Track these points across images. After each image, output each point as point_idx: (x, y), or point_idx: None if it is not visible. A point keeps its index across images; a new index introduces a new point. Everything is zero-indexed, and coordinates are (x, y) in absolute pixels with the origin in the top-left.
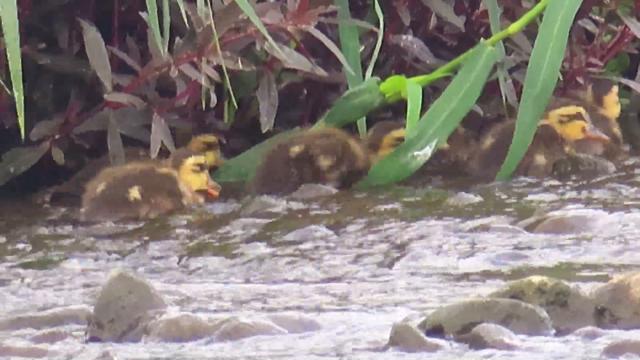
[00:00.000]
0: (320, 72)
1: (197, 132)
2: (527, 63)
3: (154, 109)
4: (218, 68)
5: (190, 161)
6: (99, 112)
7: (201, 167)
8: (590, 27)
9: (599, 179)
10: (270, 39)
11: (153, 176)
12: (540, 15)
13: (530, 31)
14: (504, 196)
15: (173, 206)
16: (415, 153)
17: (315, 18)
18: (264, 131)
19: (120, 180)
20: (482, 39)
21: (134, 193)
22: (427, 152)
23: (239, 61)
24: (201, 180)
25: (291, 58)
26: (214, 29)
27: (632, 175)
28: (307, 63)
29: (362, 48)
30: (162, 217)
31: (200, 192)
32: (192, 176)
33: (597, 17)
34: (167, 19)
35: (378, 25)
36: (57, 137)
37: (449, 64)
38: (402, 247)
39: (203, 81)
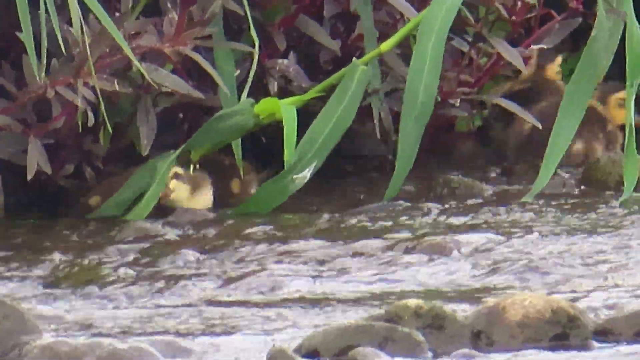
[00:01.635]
0: (197, 94)
1: (73, 158)
2: (400, 88)
3: (31, 132)
4: (95, 91)
5: None
6: None
7: None
8: (465, 48)
9: (474, 201)
10: (139, 65)
11: None
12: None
13: (405, 53)
14: (382, 218)
15: None
16: (294, 176)
17: (191, 40)
18: (144, 154)
19: None
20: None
21: None
22: (305, 174)
23: (115, 83)
24: None
25: (168, 80)
26: (90, 51)
27: (506, 198)
28: (184, 85)
29: (238, 72)
30: (30, 239)
31: None
32: None
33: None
34: (44, 42)
35: (254, 48)
36: None
37: (322, 84)
38: (271, 272)
39: (79, 102)
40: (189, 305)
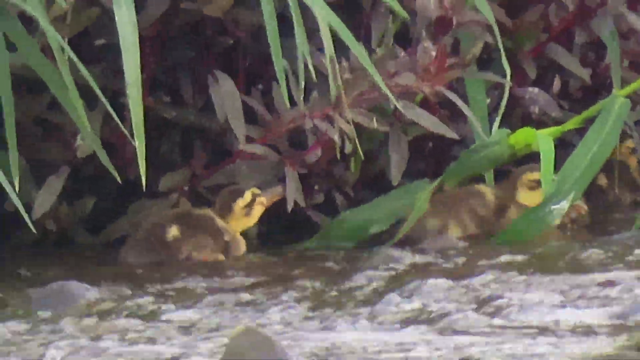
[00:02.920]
0: (451, 134)
1: (323, 186)
2: None
3: (286, 162)
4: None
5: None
6: (228, 164)
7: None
8: None
9: None
10: (398, 104)
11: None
12: None
13: None
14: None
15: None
16: (553, 207)
17: (452, 78)
18: (394, 183)
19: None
20: (614, 89)
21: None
22: (563, 206)
23: (374, 120)
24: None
25: (422, 119)
26: (347, 88)
27: None
28: (439, 124)
29: (489, 101)
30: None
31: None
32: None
33: None
34: (301, 73)
35: (504, 78)
36: (185, 188)
37: (580, 116)
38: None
39: (336, 137)
40: (440, 332)
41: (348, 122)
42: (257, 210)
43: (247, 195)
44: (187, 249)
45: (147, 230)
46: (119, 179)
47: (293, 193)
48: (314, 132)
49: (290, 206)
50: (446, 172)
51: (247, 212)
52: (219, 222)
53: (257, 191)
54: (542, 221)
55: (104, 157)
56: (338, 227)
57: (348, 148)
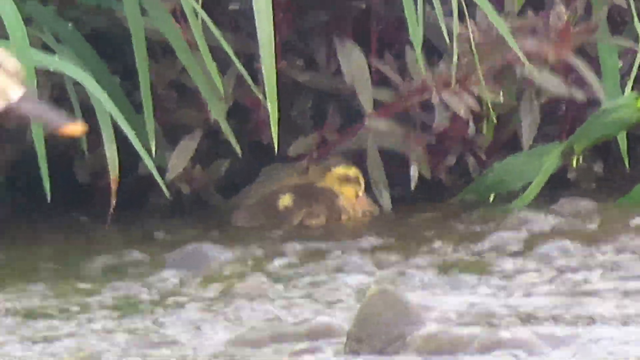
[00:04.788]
0: (579, 95)
1: (455, 150)
2: None
3: (411, 137)
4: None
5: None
6: (358, 131)
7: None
8: None
9: None
10: (530, 67)
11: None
12: None
13: None
14: None
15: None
16: None
17: (577, 44)
18: (525, 147)
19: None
20: None
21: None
22: None
23: (501, 95)
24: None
25: (549, 82)
26: (478, 59)
27: None
28: (564, 88)
29: (621, 65)
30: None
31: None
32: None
33: None
34: (419, 37)
35: (637, 42)
36: (314, 155)
37: None
38: None
39: (463, 113)
40: (563, 293)
41: (475, 97)
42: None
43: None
44: (299, 217)
45: (261, 197)
46: (239, 150)
47: (416, 172)
48: (442, 105)
49: (413, 184)
50: (573, 136)
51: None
52: (336, 191)
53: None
54: None
55: (226, 128)
56: (472, 190)
57: (472, 127)
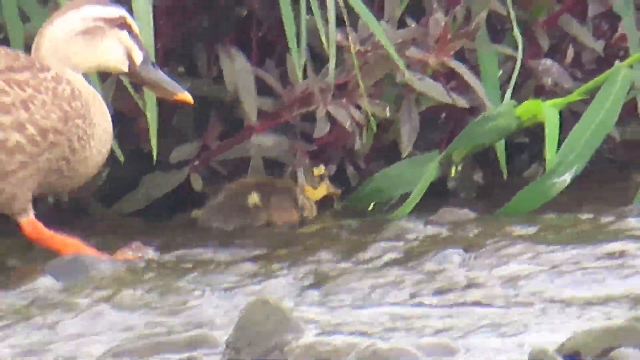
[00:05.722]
0: (460, 102)
1: (335, 158)
2: None
3: (297, 148)
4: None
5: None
6: (240, 139)
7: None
8: None
9: None
10: (410, 76)
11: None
12: None
13: None
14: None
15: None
16: (555, 180)
17: (455, 49)
18: (404, 155)
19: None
20: (617, 61)
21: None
22: (566, 178)
23: (387, 110)
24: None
25: (430, 89)
26: (362, 75)
27: None
28: (444, 94)
29: (500, 72)
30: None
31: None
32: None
33: None
34: (302, 43)
35: (516, 50)
36: (196, 163)
37: (584, 86)
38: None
39: (348, 126)
40: (450, 304)
41: (360, 109)
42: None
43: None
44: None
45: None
46: (121, 157)
47: (302, 180)
48: (328, 117)
49: (300, 195)
50: (452, 144)
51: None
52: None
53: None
54: (545, 194)
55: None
56: (352, 199)
57: (358, 142)
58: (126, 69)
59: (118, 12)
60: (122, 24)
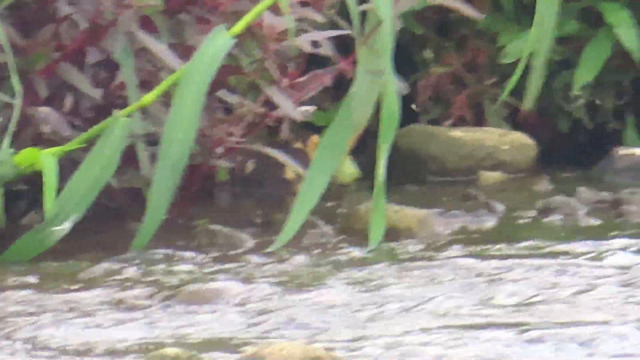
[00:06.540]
0: None
1: None
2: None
3: None
4: None
5: None
6: None
7: None
8: (232, 99)
9: (234, 252)
10: None
11: None
12: None
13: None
14: (142, 268)
15: None
16: (54, 228)
17: None
18: None
19: None
20: (116, 109)
21: None
22: (65, 226)
23: None
24: None
25: None
26: None
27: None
28: None
29: (0, 120)
30: None
31: None
32: None
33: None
34: None
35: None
36: None
37: (84, 135)
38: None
39: None
40: None
41: None
42: None
43: None
44: None
45: None
46: None
47: None
48: None
49: None
50: None
51: None
52: None
53: None
54: (44, 241)
55: None
56: None
57: None
58: None
59: None
60: None
